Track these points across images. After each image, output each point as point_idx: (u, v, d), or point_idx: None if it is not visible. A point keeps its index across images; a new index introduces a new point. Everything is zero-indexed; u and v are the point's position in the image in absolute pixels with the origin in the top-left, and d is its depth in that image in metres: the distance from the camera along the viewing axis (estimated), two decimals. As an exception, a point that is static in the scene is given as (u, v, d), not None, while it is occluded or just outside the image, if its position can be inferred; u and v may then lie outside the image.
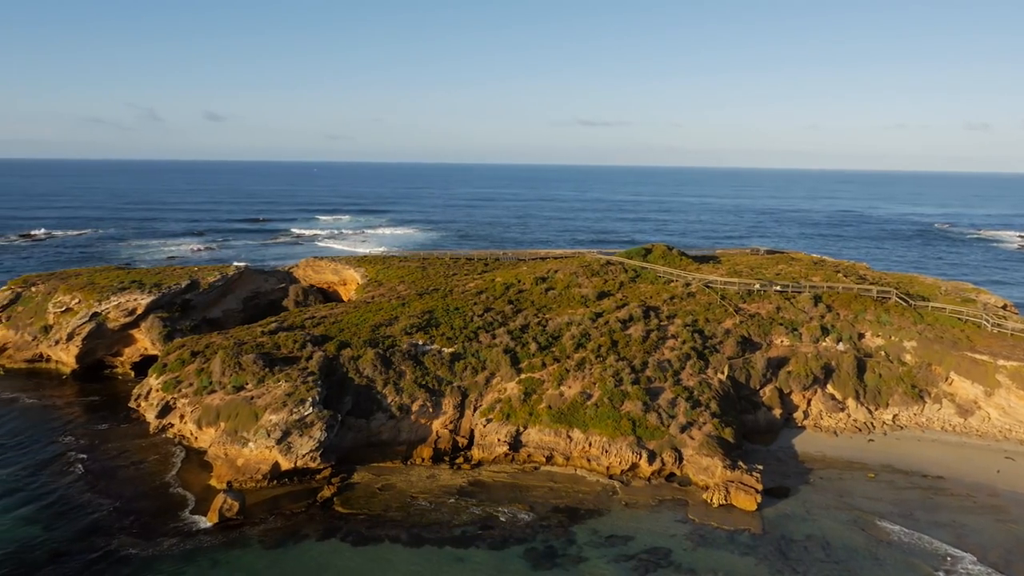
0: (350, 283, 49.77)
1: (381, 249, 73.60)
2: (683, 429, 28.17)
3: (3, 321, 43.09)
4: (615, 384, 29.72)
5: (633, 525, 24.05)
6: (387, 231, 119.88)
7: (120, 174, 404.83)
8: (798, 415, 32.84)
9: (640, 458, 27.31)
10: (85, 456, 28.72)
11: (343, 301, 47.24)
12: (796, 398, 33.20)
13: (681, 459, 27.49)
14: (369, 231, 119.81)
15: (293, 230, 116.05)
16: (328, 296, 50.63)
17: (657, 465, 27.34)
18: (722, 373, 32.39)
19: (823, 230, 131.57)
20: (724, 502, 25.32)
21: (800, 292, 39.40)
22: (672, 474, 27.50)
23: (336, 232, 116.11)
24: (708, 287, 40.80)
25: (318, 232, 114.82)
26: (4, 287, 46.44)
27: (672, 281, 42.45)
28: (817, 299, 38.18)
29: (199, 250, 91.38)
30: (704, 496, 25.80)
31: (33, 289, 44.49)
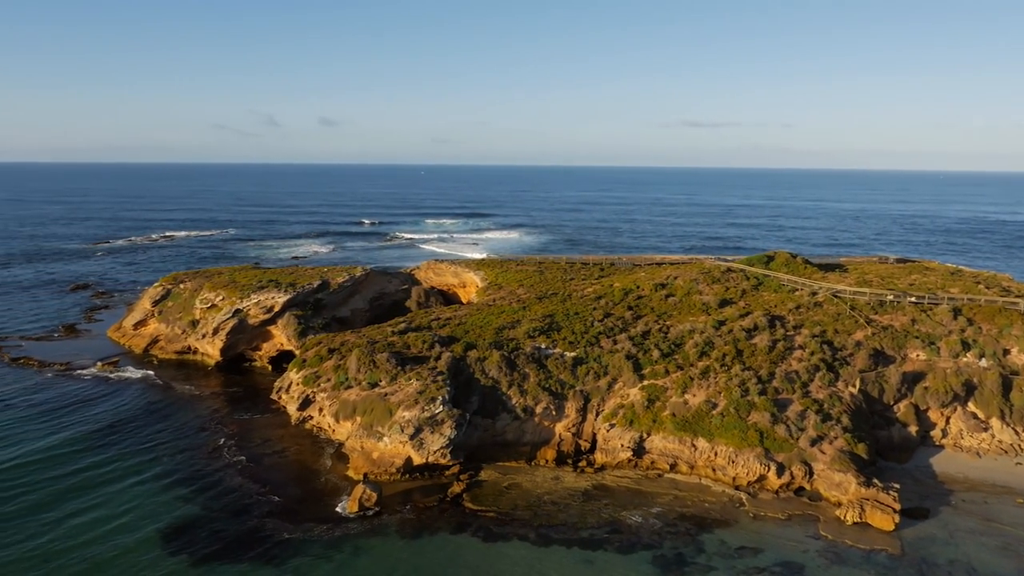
0: (469, 286, 51.10)
1: (487, 253, 74.91)
2: (813, 443, 27.43)
3: (156, 315, 46.88)
4: (741, 394, 29.29)
5: (762, 538, 23.70)
6: (494, 235, 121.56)
7: (242, 177, 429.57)
8: (935, 433, 31.28)
9: (768, 470, 26.81)
10: (234, 443, 30.95)
11: (463, 303, 48.57)
12: (933, 415, 31.62)
13: (811, 473, 26.79)
14: (476, 235, 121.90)
15: (403, 234, 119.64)
16: (448, 298, 52.17)
17: (786, 478, 26.75)
18: (853, 386, 31.28)
19: (955, 237, 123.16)
20: (858, 520, 24.51)
21: (937, 304, 37.47)
22: (801, 488, 26.83)
23: (444, 235, 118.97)
24: (836, 297, 39.40)
25: (426, 236, 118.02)
26: (156, 284, 50.58)
27: (797, 290, 41.24)
28: (957, 312, 36.19)
29: (320, 251, 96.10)
30: (837, 513, 25.05)
31: (181, 286, 48.19)
